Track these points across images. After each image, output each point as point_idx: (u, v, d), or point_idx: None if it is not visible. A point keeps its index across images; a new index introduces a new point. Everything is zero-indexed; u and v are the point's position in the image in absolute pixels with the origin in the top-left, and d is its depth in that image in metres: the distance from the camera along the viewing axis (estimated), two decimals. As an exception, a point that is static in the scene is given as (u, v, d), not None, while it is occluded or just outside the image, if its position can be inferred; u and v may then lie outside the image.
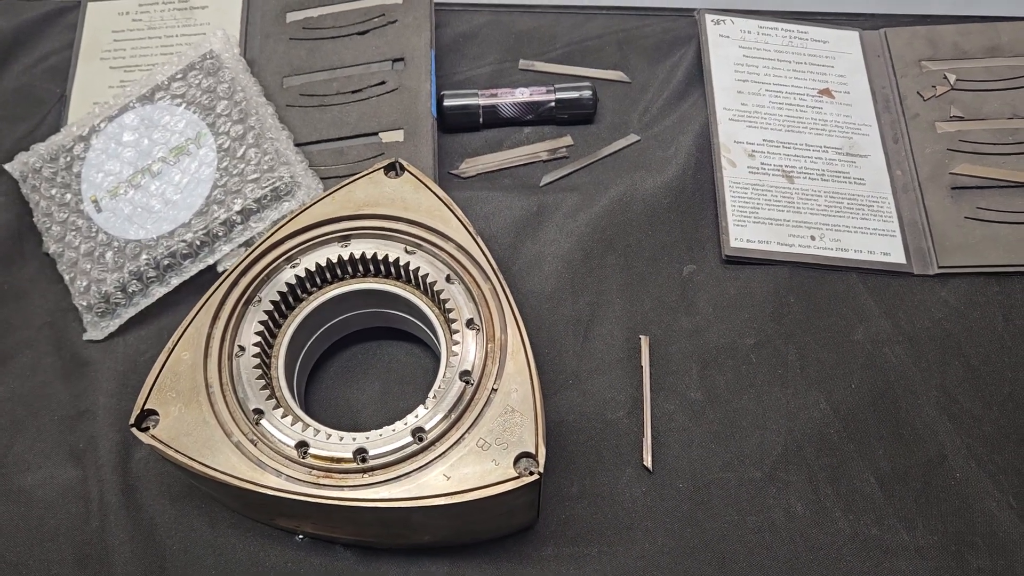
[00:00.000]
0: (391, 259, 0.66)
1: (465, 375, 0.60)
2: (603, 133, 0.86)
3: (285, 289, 0.65)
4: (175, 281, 0.74)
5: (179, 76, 0.79)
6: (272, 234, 0.66)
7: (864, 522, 0.66)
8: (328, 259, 0.66)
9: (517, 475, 0.55)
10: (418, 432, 0.58)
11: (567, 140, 0.85)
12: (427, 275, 0.65)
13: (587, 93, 0.84)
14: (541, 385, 0.59)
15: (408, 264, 0.66)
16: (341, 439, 0.59)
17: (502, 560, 0.64)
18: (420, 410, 0.59)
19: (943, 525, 0.66)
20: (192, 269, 0.74)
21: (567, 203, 0.80)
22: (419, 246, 0.66)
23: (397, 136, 0.80)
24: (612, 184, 0.81)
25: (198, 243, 0.74)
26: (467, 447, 0.57)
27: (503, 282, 0.63)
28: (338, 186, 0.68)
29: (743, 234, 0.78)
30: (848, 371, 0.72)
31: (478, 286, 0.64)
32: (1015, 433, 0.69)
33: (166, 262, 0.73)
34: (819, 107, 0.85)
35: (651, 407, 0.70)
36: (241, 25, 0.87)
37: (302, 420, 0.61)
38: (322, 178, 0.78)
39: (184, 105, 0.78)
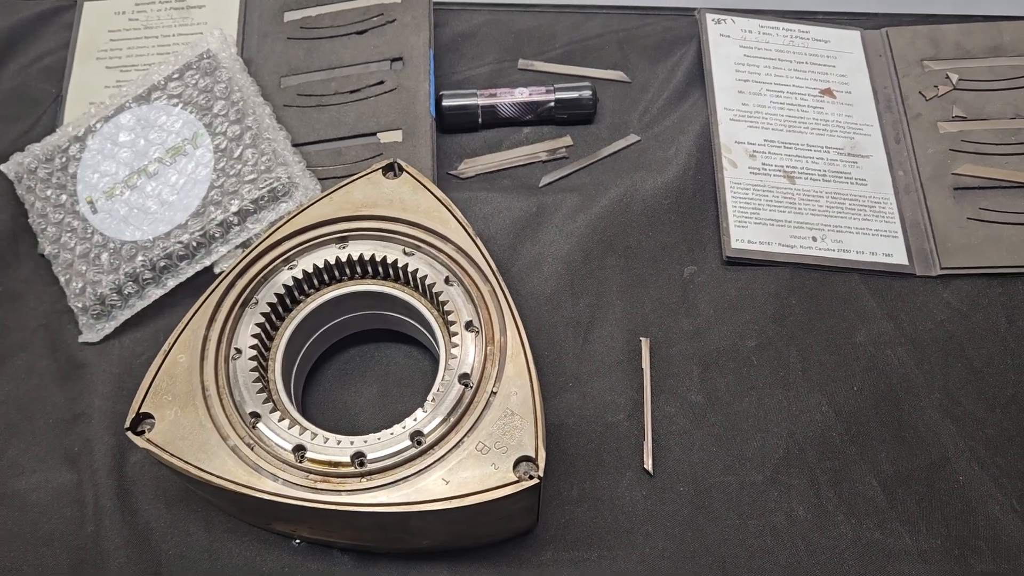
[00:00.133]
0: (389, 261, 0.66)
1: (464, 378, 0.60)
2: (603, 133, 0.85)
3: (282, 291, 0.65)
4: (171, 283, 0.74)
5: (176, 76, 0.79)
6: (269, 235, 0.66)
7: (866, 526, 0.65)
8: (326, 260, 0.66)
9: (517, 479, 0.55)
10: (416, 436, 0.58)
11: (567, 140, 0.84)
12: (426, 277, 0.64)
13: (587, 93, 0.84)
14: (541, 388, 0.59)
15: (407, 266, 0.65)
16: (339, 443, 0.58)
17: (501, 564, 0.64)
18: (419, 413, 0.59)
19: (946, 529, 0.65)
20: (188, 271, 0.74)
21: (567, 204, 0.80)
22: (418, 247, 0.66)
23: (396, 136, 0.80)
24: (612, 185, 0.80)
25: (195, 244, 0.73)
26: (466, 451, 0.56)
27: (502, 284, 0.63)
28: (336, 187, 0.68)
29: (744, 235, 0.77)
30: (850, 373, 0.71)
31: (477, 288, 0.63)
32: (1018, 436, 0.69)
33: (162, 264, 0.73)
34: (820, 107, 0.85)
35: (652, 410, 0.69)
36: (238, 24, 0.86)
37: (299, 423, 0.60)
38: (320, 179, 0.77)
39: (181, 105, 0.77)
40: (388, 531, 0.59)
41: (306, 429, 0.59)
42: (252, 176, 0.74)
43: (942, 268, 0.76)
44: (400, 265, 0.65)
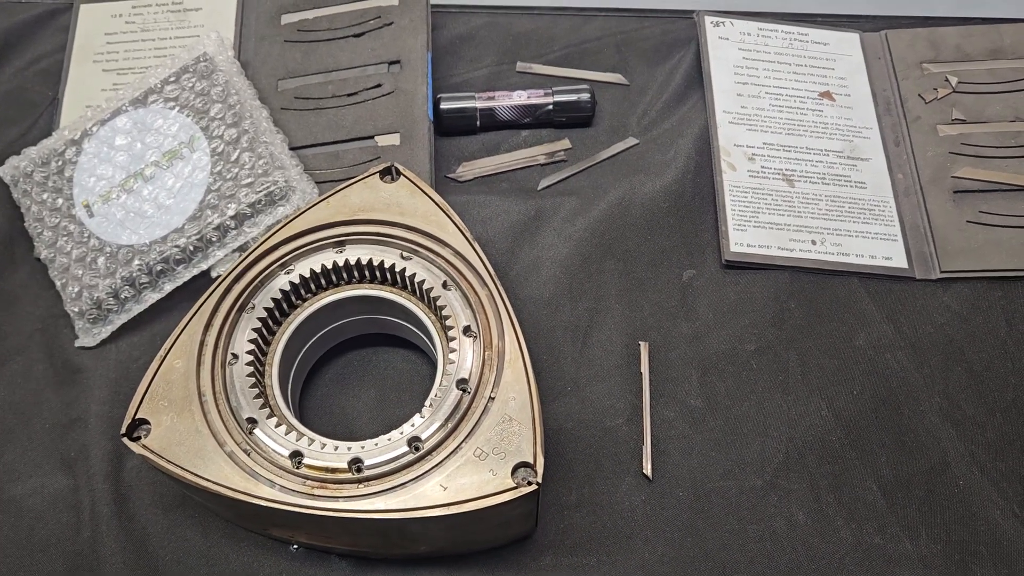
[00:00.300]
0: (387, 265, 0.65)
1: (462, 383, 0.59)
2: (601, 136, 0.85)
3: (279, 296, 0.64)
4: (168, 287, 0.73)
5: (172, 79, 0.78)
6: (266, 240, 0.65)
7: (867, 531, 0.65)
8: (323, 265, 0.65)
9: (515, 485, 0.54)
10: (414, 441, 0.57)
11: (565, 143, 0.84)
12: (423, 281, 0.64)
13: (585, 96, 0.84)
14: (539, 393, 0.58)
15: (404, 270, 0.65)
16: (336, 449, 0.58)
17: (500, 570, 0.63)
18: (416, 419, 0.58)
19: (946, 534, 0.65)
20: (185, 275, 0.73)
21: (565, 207, 0.79)
22: (415, 252, 0.65)
23: (393, 139, 0.80)
24: (611, 188, 0.80)
25: (191, 248, 0.73)
26: (464, 457, 0.56)
27: (500, 288, 0.62)
28: (333, 191, 0.68)
29: (743, 238, 0.77)
30: (850, 377, 0.71)
31: (475, 292, 0.63)
32: (1019, 440, 0.69)
33: (159, 268, 0.72)
34: (820, 110, 0.84)
35: (651, 414, 0.69)
36: (235, 27, 0.86)
37: (296, 429, 0.60)
38: (317, 182, 0.77)
39: (177, 108, 0.77)
40: (386, 537, 0.59)
41: (303, 435, 0.59)
42: (249, 180, 0.73)
43: (942, 271, 0.76)
44: (398, 269, 0.65)
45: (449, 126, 0.84)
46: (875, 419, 0.69)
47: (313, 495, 0.55)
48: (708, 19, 0.89)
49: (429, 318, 0.65)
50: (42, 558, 0.64)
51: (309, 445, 0.58)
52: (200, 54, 0.79)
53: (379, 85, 0.82)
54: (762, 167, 0.81)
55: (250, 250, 0.65)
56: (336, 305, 0.67)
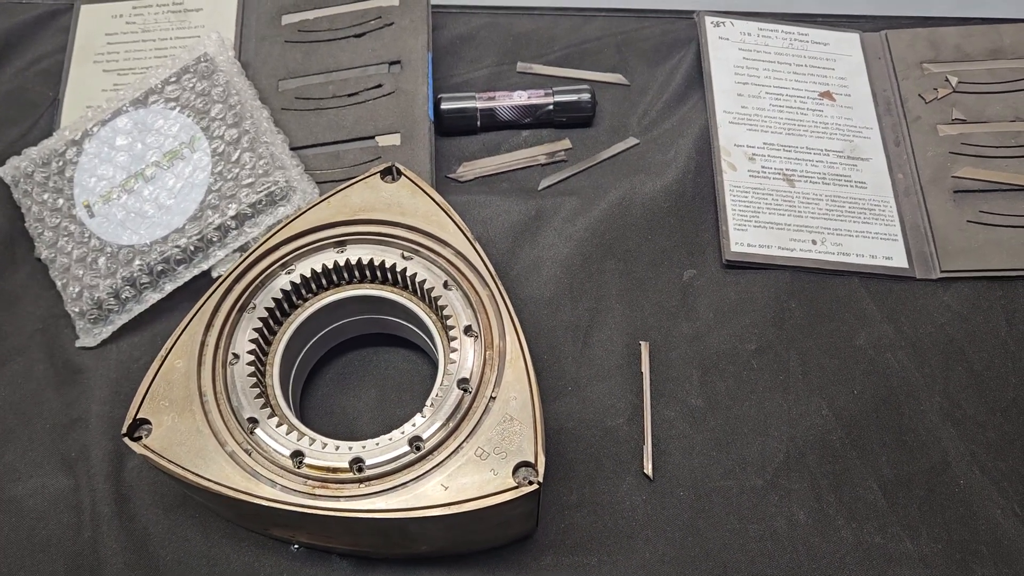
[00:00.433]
0: (388, 265, 0.65)
1: (463, 383, 0.59)
2: (602, 136, 0.85)
3: (280, 296, 0.64)
4: (169, 287, 0.73)
5: (173, 79, 0.78)
6: (267, 240, 0.65)
7: (867, 530, 0.65)
8: (324, 265, 0.65)
9: (516, 485, 0.54)
10: (415, 441, 0.57)
11: (566, 143, 0.84)
12: (424, 281, 0.64)
13: (586, 96, 0.84)
14: (540, 392, 0.59)
15: (405, 270, 0.65)
16: (337, 448, 0.58)
17: (500, 570, 0.63)
18: (417, 419, 0.58)
19: (947, 533, 0.65)
20: (186, 275, 0.73)
21: (566, 207, 0.79)
22: (416, 252, 0.65)
23: (394, 140, 0.80)
24: (611, 188, 0.80)
25: (192, 248, 0.73)
26: (465, 456, 0.56)
27: (501, 288, 0.63)
28: (334, 191, 0.68)
29: (744, 238, 0.77)
30: (850, 377, 0.71)
31: (476, 292, 0.63)
32: (1019, 439, 0.69)
33: (160, 268, 0.72)
34: (820, 110, 0.84)
35: (651, 414, 0.69)
36: (236, 27, 0.86)
37: (297, 429, 0.60)
38: (318, 182, 0.77)
39: (178, 109, 0.77)
40: (387, 537, 0.59)
41: (304, 435, 0.59)
42: (250, 180, 0.73)
43: (942, 271, 0.76)
44: (399, 269, 0.65)
45: (450, 126, 0.84)
46: (876, 418, 0.69)
47: (314, 495, 0.55)
48: (708, 19, 0.89)
49: (430, 318, 0.65)
50: (43, 558, 0.64)
51: (310, 445, 0.58)
52: (201, 54, 0.79)
53: (380, 85, 0.82)
54: (762, 167, 0.81)
55: (251, 250, 0.65)
56: (337, 305, 0.67)
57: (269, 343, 0.65)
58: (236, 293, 0.64)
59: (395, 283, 0.67)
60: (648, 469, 0.67)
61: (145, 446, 0.57)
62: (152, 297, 0.73)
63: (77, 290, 0.72)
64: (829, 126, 0.83)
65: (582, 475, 0.67)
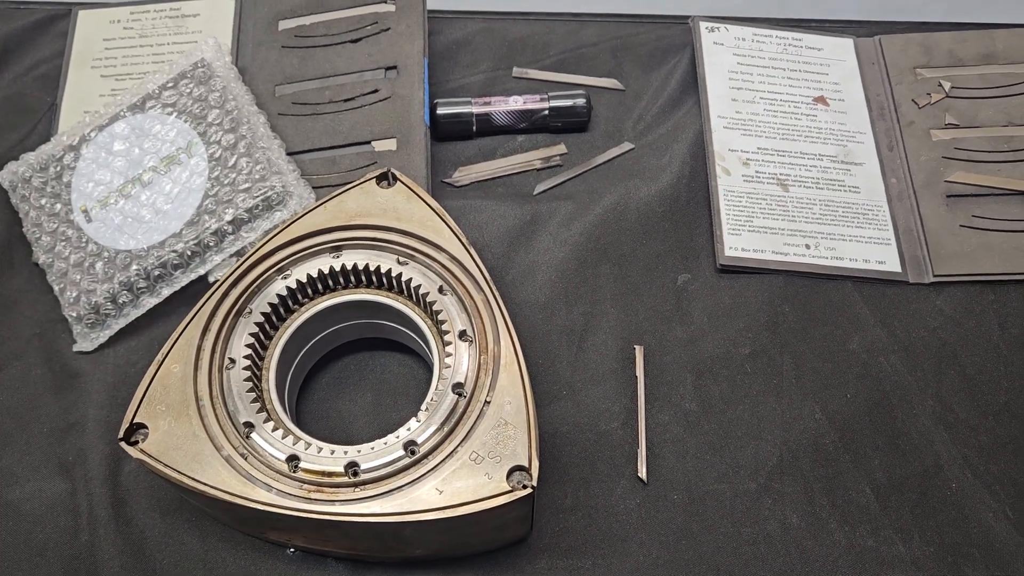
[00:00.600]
0: (383, 270, 0.66)
1: (458, 387, 0.60)
2: (597, 141, 0.85)
3: (276, 300, 0.65)
4: (166, 292, 0.74)
5: (170, 85, 0.79)
6: (263, 245, 0.66)
7: (860, 533, 0.65)
8: (319, 270, 0.66)
9: (510, 489, 0.55)
10: (410, 445, 0.58)
11: (561, 148, 0.85)
12: (419, 286, 0.65)
13: (581, 101, 0.84)
14: (534, 397, 0.59)
15: (400, 275, 0.65)
16: (332, 453, 0.58)
17: (495, 573, 0.64)
18: (412, 423, 0.59)
19: (939, 536, 0.65)
20: (183, 279, 0.74)
21: (561, 212, 0.80)
22: (412, 257, 0.66)
23: (390, 145, 0.80)
24: (606, 193, 0.81)
25: (189, 253, 0.73)
26: (460, 460, 0.57)
27: (496, 293, 0.63)
28: (329, 196, 0.68)
29: (738, 243, 0.77)
30: (843, 381, 0.72)
31: (471, 297, 0.63)
32: (1011, 443, 0.69)
33: (156, 272, 0.73)
34: (814, 115, 0.85)
35: (645, 418, 0.70)
36: (233, 33, 0.86)
37: (293, 433, 0.60)
38: (314, 187, 0.77)
39: (175, 114, 0.77)
40: (382, 540, 0.59)
41: (300, 439, 0.59)
42: (246, 185, 0.74)
43: (935, 275, 0.76)
44: (394, 274, 0.66)
45: (446, 131, 0.84)
46: (868, 422, 0.70)
47: (310, 499, 0.56)
48: (703, 24, 0.89)
49: (425, 323, 0.66)
50: (40, 562, 0.64)
51: (306, 449, 0.58)
52: (198, 60, 0.80)
53: (376, 90, 0.82)
54: (756, 172, 0.81)
55: (247, 255, 0.66)
56: (333, 310, 0.67)
57: (265, 348, 0.65)
58: (232, 298, 0.64)
59: (390, 288, 0.67)
60: (642, 473, 0.67)
61: (142, 450, 0.57)
62: (149, 302, 0.74)
63: (74, 295, 0.73)
64: (823, 131, 0.84)
65: (576, 479, 0.67)
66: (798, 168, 0.82)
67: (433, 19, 0.89)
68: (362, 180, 0.68)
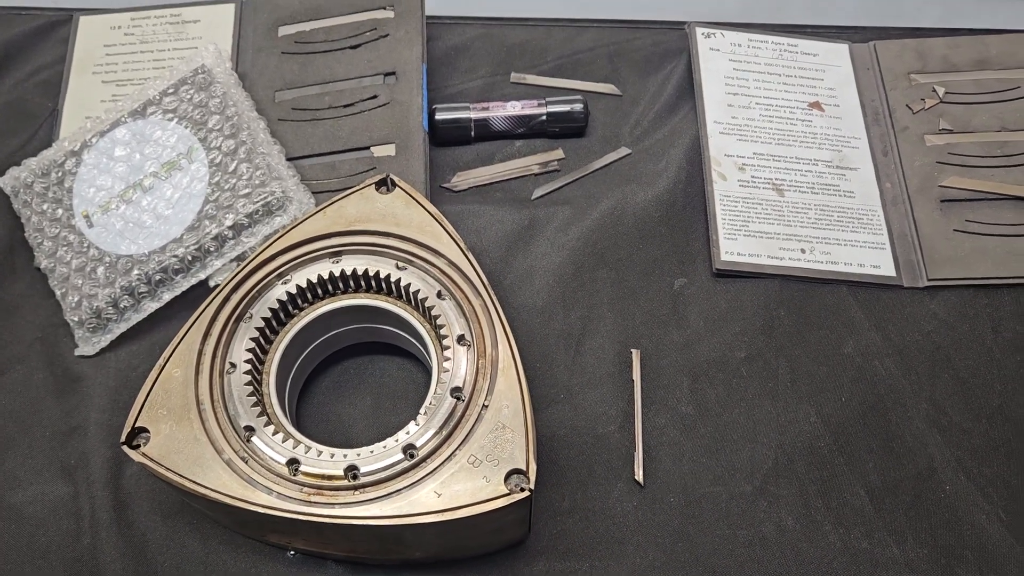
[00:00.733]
0: (382, 275, 0.66)
1: (456, 391, 0.60)
2: (594, 146, 0.86)
3: (276, 305, 0.65)
4: (167, 296, 0.74)
5: (171, 91, 0.79)
6: (263, 250, 0.66)
7: (854, 536, 0.66)
8: (319, 275, 0.66)
9: (508, 491, 0.55)
10: (409, 449, 0.58)
11: (559, 153, 0.85)
12: (418, 291, 0.65)
13: (578, 106, 0.85)
14: (532, 400, 0.60)
15: (399, 280, 0.66)
16: (332, 456, 0.59)
17: (493, 575, 0.64)
18: (411, 427, 0.59)
19: (933, 538, 0.66)
20: (184, 284, 0.74)
21: (558, 217, 0.80)
22: (410, 262, 0.66)
23: (389, 150, 0.81)
24: (603, 197, 0.81)
25: (190, 258, 0.74)
26: (458, 464, 0.57)
27: (494, 298, 0.63)
28: (329, 202, 0.68)
29: (734, 247, 0.78)
30: (838, 384, 0.72)
31: (469, 302, 0.64)
32: (1004, 445, 0.70)
33: (158, 277, 0.73)
34: (809, 120, 0.86)
35: (642, 421, 0.70)
36: (233, 39, 0.87)
37: (293, 437, 0.61)
38: (314, 192, 0.78)
39: (176, 120, 0.78)
40: (381, 543, 0.60)
41: (300, 443, 0.60)
42: (247, 190, 0.74)
43: (929, 279, 0.77)
44: (393, 280, 0.66)
45: (444, 136, 0.85)
46: (863, 425, 0.70)
47: (310, 502, 0.56)
48: (699, 30, 0.90)
49: (424, 327, 0.66)
50: (42, 564, 0.65)
51: (306, 453, 0.59)
52: (198, 66, 0.80)
53: (375, 96, 0.83)
54: (752, 177, 0.82)
55: (248, 260, 0.66)
56: (332, 315, 0.68)
57: (266, 352, 0.66)
58: (233, 303, 0.65)
59: (389, 293, 0.68)
60: (639, 476, 0.68)
61: (143, 454, 0.58)
62: (150, 306, 0.74)
63: (76, 299, 0.73)
64: (818, 136, 0.85)
65: (574, 482, 0.68)
66: (793, 173, 0.82)
67: (431, 25, 0.90)
68: (361, 186, 0.69)
